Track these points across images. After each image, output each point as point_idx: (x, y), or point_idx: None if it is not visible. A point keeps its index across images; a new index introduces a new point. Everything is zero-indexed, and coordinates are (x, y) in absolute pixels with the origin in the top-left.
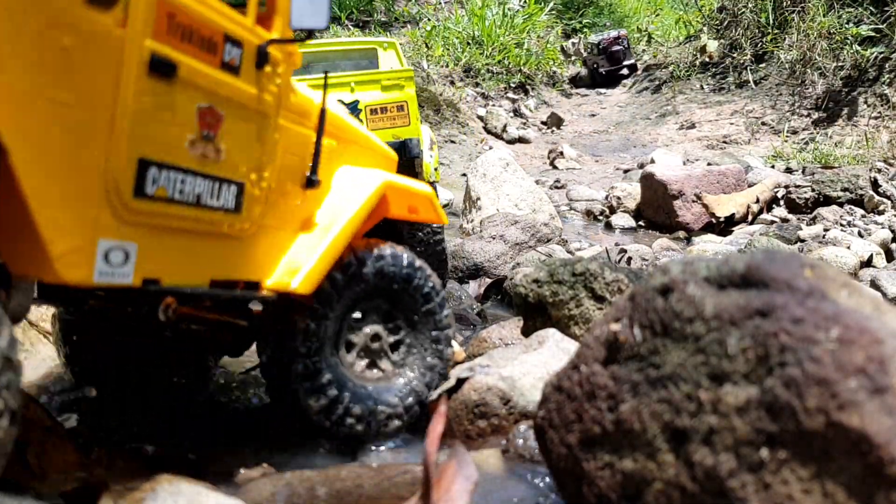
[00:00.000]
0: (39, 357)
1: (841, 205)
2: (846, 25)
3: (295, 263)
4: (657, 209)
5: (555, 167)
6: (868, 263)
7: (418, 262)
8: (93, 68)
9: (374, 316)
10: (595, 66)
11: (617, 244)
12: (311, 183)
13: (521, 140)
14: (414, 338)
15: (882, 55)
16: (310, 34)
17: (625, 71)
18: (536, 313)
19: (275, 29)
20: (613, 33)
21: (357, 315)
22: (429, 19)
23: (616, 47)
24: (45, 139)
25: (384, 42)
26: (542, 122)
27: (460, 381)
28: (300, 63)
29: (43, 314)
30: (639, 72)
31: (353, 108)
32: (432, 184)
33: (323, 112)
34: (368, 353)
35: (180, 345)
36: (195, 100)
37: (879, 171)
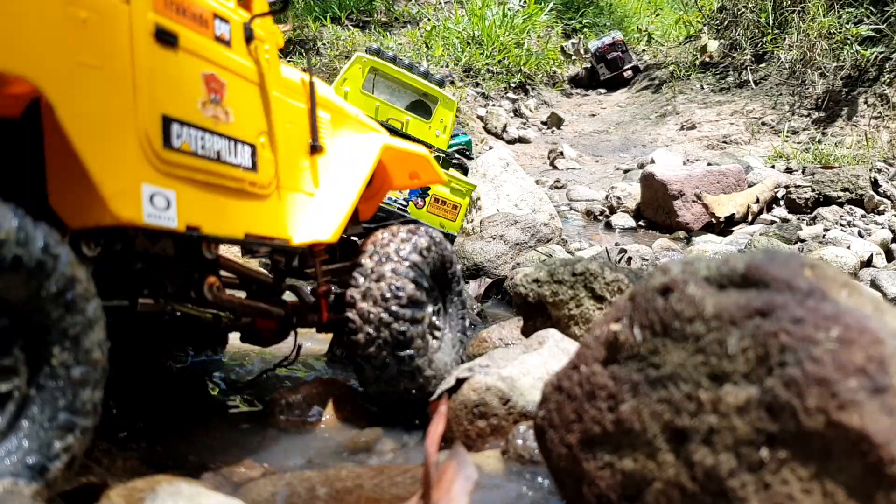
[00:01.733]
0: None
1: (841, 205)
2: (846, 25)
3: (318, 218)
4: (657, 209)
5: (555, 167)
6: (868, 263)
7: (452, 247)
8: (109, 37)
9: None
10: (596, 72)
11: (617, 244)
12: (314, 149)
13: (521, 140)
14: (447, 316)
15: (882, 55)
16: (285, 5)
17: (628, 73)
18: (536, 313)
19: (254, 9)
20: (608, 39)
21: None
22: (429, 19)
23: (613, 54)
24: (84, 96)
25: (449, 99)
26: (542, 122)
27: (460, 382)
28: (283, 42)
29: None
30: (641, 72)
31: (425, 192)
32: (449, 235)
33: (312, 85)
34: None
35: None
36: (199, 67)
37: (879, 171)
